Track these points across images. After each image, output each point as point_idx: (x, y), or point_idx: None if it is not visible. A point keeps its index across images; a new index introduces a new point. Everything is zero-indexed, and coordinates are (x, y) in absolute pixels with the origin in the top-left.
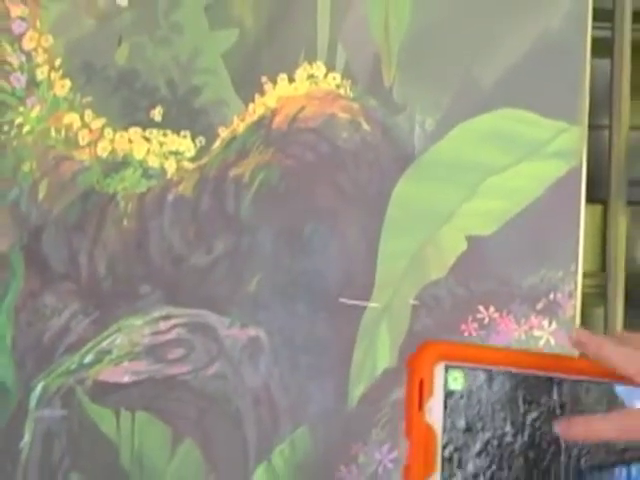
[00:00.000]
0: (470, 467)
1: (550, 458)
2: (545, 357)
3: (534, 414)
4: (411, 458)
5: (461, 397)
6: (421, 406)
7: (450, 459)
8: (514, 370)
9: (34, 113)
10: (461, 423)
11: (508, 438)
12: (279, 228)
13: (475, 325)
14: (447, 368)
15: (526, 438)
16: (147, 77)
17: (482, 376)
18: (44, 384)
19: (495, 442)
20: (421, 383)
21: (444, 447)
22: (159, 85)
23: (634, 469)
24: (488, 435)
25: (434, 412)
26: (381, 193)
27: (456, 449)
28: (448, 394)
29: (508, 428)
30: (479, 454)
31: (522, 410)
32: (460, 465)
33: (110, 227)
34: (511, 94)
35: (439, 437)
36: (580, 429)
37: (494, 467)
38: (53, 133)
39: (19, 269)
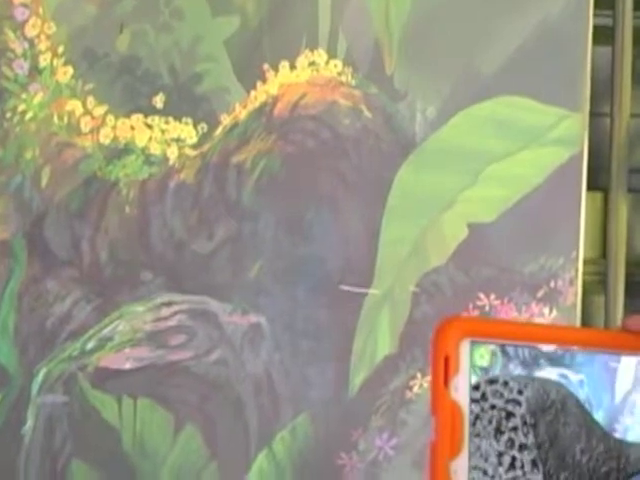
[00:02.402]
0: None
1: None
2: (575, 331)
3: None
4: (438, 436)
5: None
6: (447, 383)
7: (478, 436)
8: (542, 346)
9: (37, 100)
10: None
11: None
12: (280, 215)
13: (476, 312)
14: (473, 344)
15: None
16: (149, 64)
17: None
18: (46, 370)
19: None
20: (446, 359)
21: (472, 425)
22: (161, 72)
23: None
24: None
25: (460, 389)
26: (382, 180)
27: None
28: (474, 371)
29: None
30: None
31: None
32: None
33: (112, 214)
34: (512, 81)
35: (466, 415)
36: None
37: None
38: (56, 120)
39: (22, 256)
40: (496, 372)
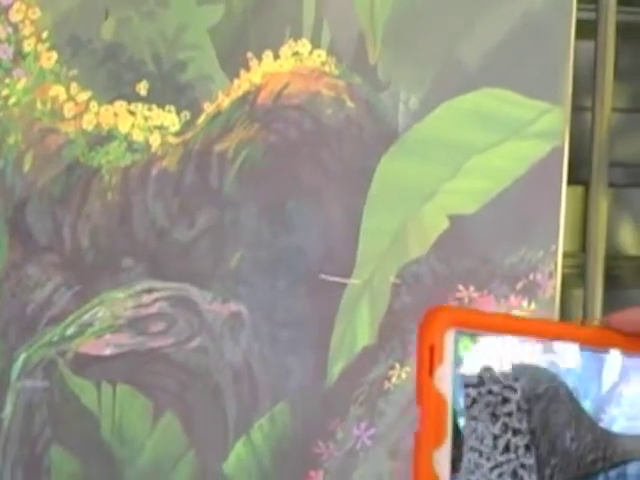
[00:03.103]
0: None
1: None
2: (560, 326)
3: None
4: (422, 425)
5: None
6: (432, 373)
7: (475, 420)
8: (528, 338)
9: (20, 85)
10: None
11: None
12: (262, 204)
13: (455, 304)
14: (458, 334)
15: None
16: (133, 51)
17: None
18: (26, 355)
19: None
20: (431, 349)
21: (468, 408)
22: (145, 59)
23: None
24: None
25: (444, 379)
26: (364, 170)
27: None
28: (458, 361)
29: None
30: None
31: None
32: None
33: (94, 200)
34: (495, 74)
35: (449, 405)
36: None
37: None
38: (39, 105)
39: (3, 240)
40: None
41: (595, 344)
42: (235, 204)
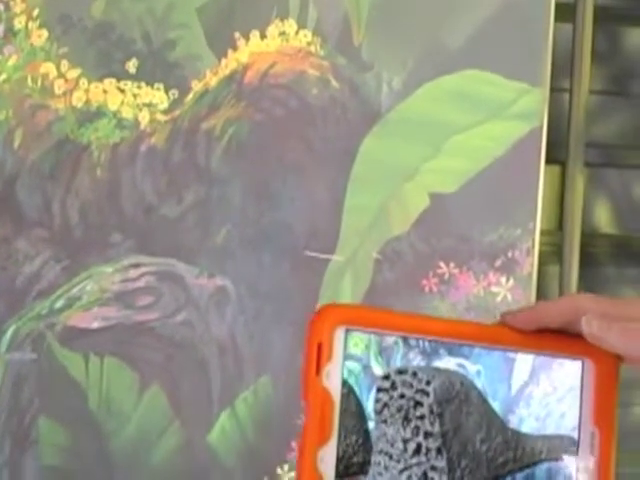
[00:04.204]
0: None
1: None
2: (454, 324)
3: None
4: (307, 422)
5: None
6: (319, 370)
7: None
8: (420, 336)
9: (11, 62)
10: None
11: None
12: (248, 181)
13: (435, 280)
14: (348, 332)
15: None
16: (123, 30)
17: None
18: (15, 328)
19: None
20: (319, 347)
21: (342, 413)
22: (134, 38)
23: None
24: None
25: (332, 377)
26: (348, 149)
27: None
28: (348, 359)
29: None
30: None
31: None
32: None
33: (83, 176)
34: (475, 56)
35: (337, 402)
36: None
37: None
38: (29, 82)
39: None
40: (402, 362)
41: (491, 342)
42: (222, 181)
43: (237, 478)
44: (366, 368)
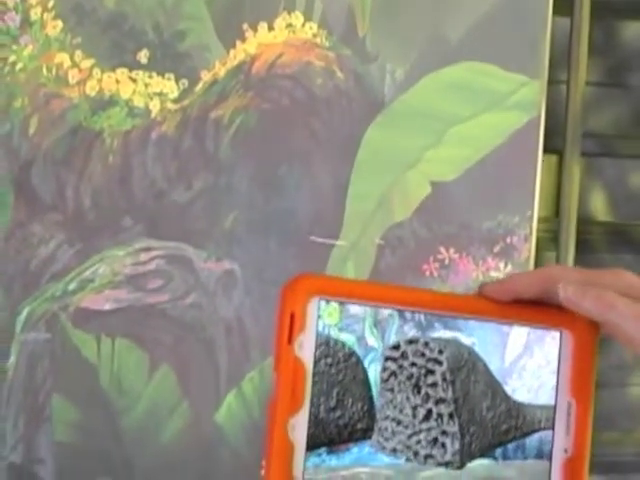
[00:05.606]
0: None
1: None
2: (432, 295)
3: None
4: (278, 391)
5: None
6: (291, 340)
7: (320, 395)
8: (394, 307)
9: (27, 52)
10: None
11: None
12: (255, 168)
13: (436, 265)
14: (321, 302)
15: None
16: (134, 21)
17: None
18: (30, 309)
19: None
20: (292, 317)
21: (314, 383)
22: (146, 29)
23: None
24: None
25: (305, 347)
26: (352, 138)
27: (328, 385)
28: (322, 329)
29: None
30: None
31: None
32: (329, 401)
33: (96, 162)
34: (476, 49)
35: (309, 372)
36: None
37: (366, 406)
38: (44, 71)
39: (9, 200)
40: (415, 333)
41: (470, 312)
42: (229, 168)
43: (243, 455)
44: (360, 339)
